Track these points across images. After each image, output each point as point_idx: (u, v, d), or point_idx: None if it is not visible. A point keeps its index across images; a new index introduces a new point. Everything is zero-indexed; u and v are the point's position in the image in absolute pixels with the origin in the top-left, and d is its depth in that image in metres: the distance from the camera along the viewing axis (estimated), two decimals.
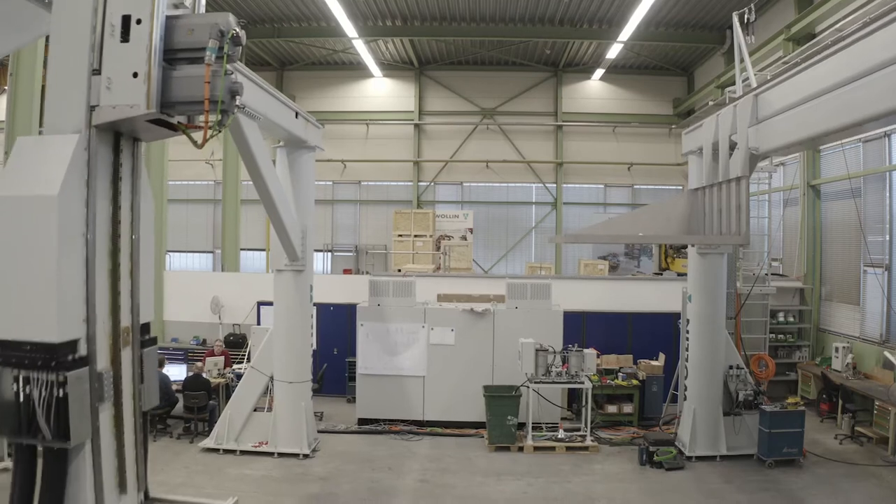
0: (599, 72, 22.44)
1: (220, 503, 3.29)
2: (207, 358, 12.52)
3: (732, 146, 8.84)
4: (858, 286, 13.30)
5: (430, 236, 21.23)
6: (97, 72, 2.83)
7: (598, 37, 19.47)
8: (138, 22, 2.76)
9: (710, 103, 19.12)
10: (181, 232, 20.59)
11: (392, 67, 22.91)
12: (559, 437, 10.96)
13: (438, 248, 21.36)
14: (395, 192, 23.45)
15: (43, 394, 2.67)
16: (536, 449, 10.72)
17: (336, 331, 13.63)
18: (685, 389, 10.89)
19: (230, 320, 15.34)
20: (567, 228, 22.90)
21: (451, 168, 23.19)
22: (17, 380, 2.69)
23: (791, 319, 14.51)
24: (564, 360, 11.04)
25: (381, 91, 23.16)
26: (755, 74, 12.56)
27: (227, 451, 10.31)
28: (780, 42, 14.85)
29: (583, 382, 10.92)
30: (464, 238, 21.93)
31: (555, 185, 23.06)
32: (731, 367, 10.55)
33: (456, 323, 11.90)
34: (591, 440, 10.91)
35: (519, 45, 20.96)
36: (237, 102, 3.08)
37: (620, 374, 12.36)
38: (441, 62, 22.83)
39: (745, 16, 10.45)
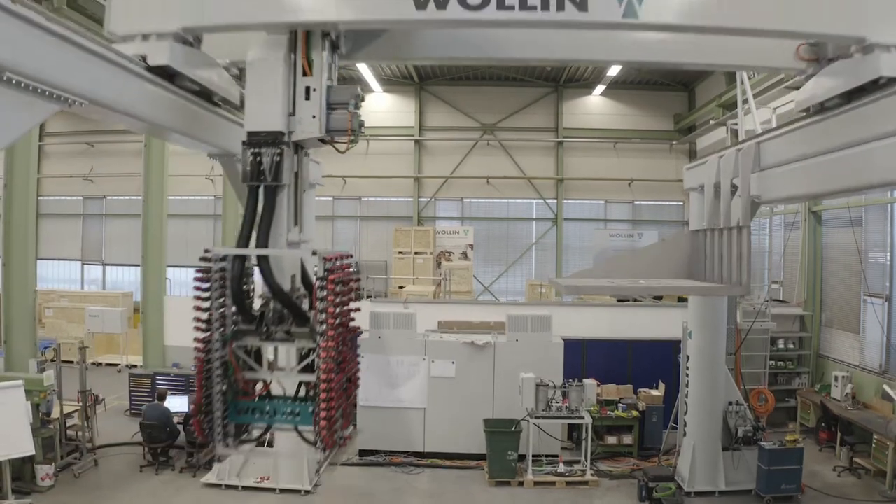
0: (600, 87, 22.42)
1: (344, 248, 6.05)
2: None
3: (735, 188, 8.83)
4: (858, 314, 13.33)
5: (431, 253, 21.20)
6: (292, 114, 5.43)
7: None
8: (314, 90, 5.42)
9: (712, 122, 19.10)
10: (181, 246, 20.48)
11: (392, 83, 22.88)
12: (559, 471, 11.00)
13: (439, 265, 21.33)
14: (395, 208, 23.41)
15: (267, 160, 5.23)
16: (536, 483, 10.76)
17: None
18: (685, 425, 10.91)
19: None
20: (567, 245, 22.97)
21: (452, 184, 23.16)
22: (253, 154, 5.26)
23: (791, 346, 14.53)
24: (565, 395, 11.07)
25: (381, 106, 23.09)
26: (755, 100, 12.65)
27: (228, 487, 10.33)
28: None
29: (583, 417, 10.95)
30: (464, 254, 21.89)
31: (555, 201, 23.04)
32: (730, 404, 10.58)
33: (457, 356, 11.90)
34: (591, 474, 10.95)
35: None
36: (362, 130, 5.61)
37: (620, 404, 12.35)
38: (441, 77, 22.79)
39: None
